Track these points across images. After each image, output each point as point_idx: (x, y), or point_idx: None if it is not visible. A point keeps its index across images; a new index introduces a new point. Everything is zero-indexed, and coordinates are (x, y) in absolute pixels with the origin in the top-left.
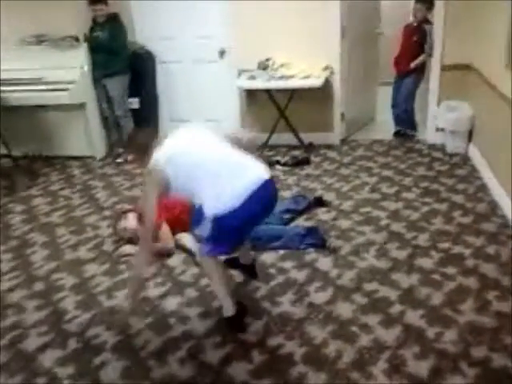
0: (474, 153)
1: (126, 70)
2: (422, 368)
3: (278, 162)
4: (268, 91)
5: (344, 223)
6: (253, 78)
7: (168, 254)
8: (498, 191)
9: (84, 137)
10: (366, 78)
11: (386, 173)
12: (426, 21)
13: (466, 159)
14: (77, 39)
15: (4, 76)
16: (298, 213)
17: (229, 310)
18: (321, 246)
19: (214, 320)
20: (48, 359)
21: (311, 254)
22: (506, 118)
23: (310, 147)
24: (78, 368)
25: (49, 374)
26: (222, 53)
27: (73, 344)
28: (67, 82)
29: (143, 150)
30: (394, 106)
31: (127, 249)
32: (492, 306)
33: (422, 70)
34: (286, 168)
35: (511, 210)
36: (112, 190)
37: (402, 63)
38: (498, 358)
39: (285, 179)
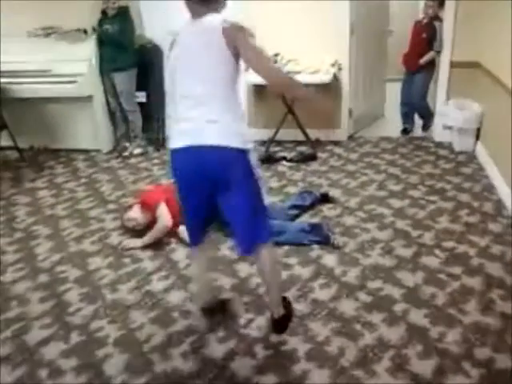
0: (481, 151)
1: (134, 64)
2: (425, 367)
3: (284, 158)
4: None
5: (349, 220)
6: None
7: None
8: (504, 191)
9: (90, 130)
10: (374, 75)
11: (393, 170)
12: (437, 18)
13: (472, 158)
14: (85, 32)
15: (12, 68)
16: (304, 209)
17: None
18: (325, 242)
19: (218, 315)
20: (51, 351)
21: (316, 251)
22: None
23: (317, 143)
24: (81, 361)
25: (52, 366)
26: None
27: (76, 337)
28: (75, 75)
29: None
30: (403, 103)
31: (131, 242)
32: (496, 306)
33: (432, 67)
34: (292, 164)
35: None
36: (117, 183)
37: (411, 60)
38: (502, 359)
39: (291, 175)
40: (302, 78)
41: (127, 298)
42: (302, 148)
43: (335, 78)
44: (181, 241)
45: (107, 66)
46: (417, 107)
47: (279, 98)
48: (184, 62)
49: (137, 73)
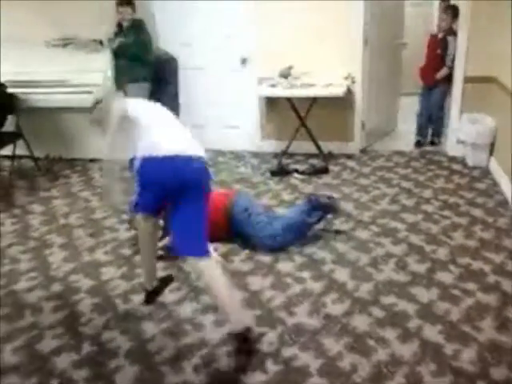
0: (495, 167)
1: (148, 76)
2: None
3: (296, 171)
4: (289, 99)
5: (362, 234)
6: (274, 85)
7: None
8: None
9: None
10: (387, 88)
11: (406, 184)
12: (451, 31)
13: (486, 173)
14: (101, 43)
15: (29, 78)
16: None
17: (149, 284)
18: (328, 211)
19: (229, 328)
20: (63, 361)
21: (328, 265)
22: None
23: (329, 156)
24: (93, 371)
25: (63, 376)
26: (243, 60)
27: (88, 347)
28: (91, 85)
29: None
30: (420, 115)
31: None
32: None
33: (449, 81)
34: (304, 176)
35: None
36: (131, 193)
37: (427, 74)
38: None
39: (303, 188)
40: (316, 91)
41: (139, 309)
42: (314, 161)
43: (348, 91)
44: None
45: (122, 78)
46: (434, 120)
47: None
48: None
49: (152, 86)
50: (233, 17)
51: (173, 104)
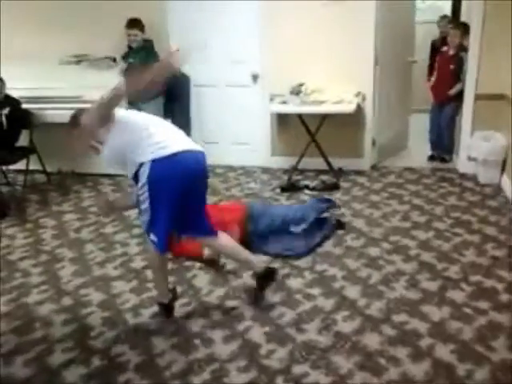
0: (507, 184)
1: (160, 93)
2: None
3: (306, 187)
4: (300, 116)
5: (373, 251)
6: (285, 102)
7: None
8: None
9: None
10: (398, 105)
11: (417, 201)
12: (463, 48)
13: (498, 190)
14: (114, 60)
15: (43, 94)
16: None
17: (164, 297)
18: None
19: (239, 344)
20: (72, 375)
21: (339, 282)
22: None
23: (340, 172)
24: None
25: None
26: (255, 77)
27: (97, 361)
28: None
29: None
30: (432, 131)
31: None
32: None
33: (461, 97)
34: (314, 193)
35: None
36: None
37: (440, 91)
38: None
39: None
40: (326, 108)
41: (149, 324)
42: (325, 177)
43: (359, 107)
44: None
45: (134, 95)
46: (444, 137)
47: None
48: None
49: (164, 101)
50: (245, 34)
51: (184, 120)
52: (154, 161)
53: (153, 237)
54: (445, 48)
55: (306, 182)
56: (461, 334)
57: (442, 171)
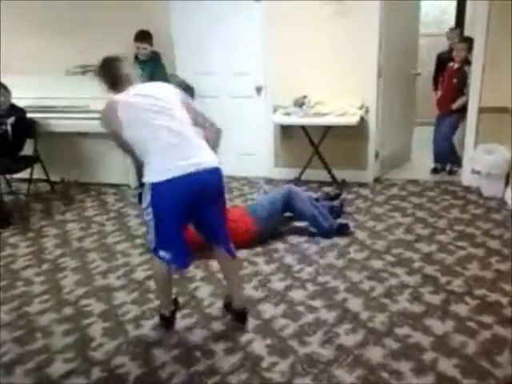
0: (511, 197)
1: None
2: None
3: None
4: (303, 127)
5: (376, 264)
6: (288, 114)
7: None
8: None
9: (120, 165)
10: (402, 118)
11: (420, 214)
12: (467, 61)
13: (502, 204)
14: None
15: (49, 103)
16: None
17: (165, 308)
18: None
19: (240, 356)
20: None
21: (342, 294)
22: None
23: (343, 184)
24: None
25: None
26: (258, 89)
27: (98, 372)
28: None
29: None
30: (435, 142)
31: None
32: None
33: (464, 110)
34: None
35: None
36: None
37: (444, 104)
38: None
39: None
40: (330, 120)
41: (150, 335)
42: (328, 188)
43: (362, 120)
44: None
45: None
46: (439, 147)
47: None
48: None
49: None
50: (249, 46)
51: None
52: (154, 184)
53: (163, 253)
54: (451, 64)
55: (309, 194)
56: (464, 349)
57: (446, 184)
